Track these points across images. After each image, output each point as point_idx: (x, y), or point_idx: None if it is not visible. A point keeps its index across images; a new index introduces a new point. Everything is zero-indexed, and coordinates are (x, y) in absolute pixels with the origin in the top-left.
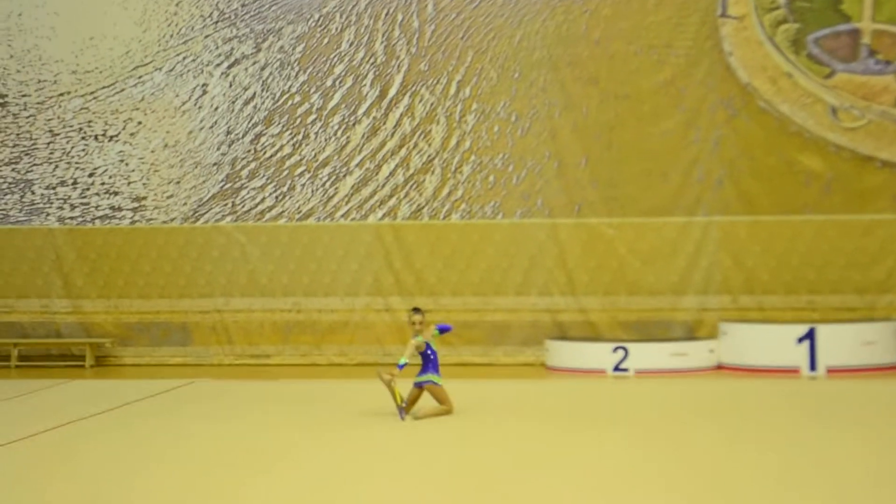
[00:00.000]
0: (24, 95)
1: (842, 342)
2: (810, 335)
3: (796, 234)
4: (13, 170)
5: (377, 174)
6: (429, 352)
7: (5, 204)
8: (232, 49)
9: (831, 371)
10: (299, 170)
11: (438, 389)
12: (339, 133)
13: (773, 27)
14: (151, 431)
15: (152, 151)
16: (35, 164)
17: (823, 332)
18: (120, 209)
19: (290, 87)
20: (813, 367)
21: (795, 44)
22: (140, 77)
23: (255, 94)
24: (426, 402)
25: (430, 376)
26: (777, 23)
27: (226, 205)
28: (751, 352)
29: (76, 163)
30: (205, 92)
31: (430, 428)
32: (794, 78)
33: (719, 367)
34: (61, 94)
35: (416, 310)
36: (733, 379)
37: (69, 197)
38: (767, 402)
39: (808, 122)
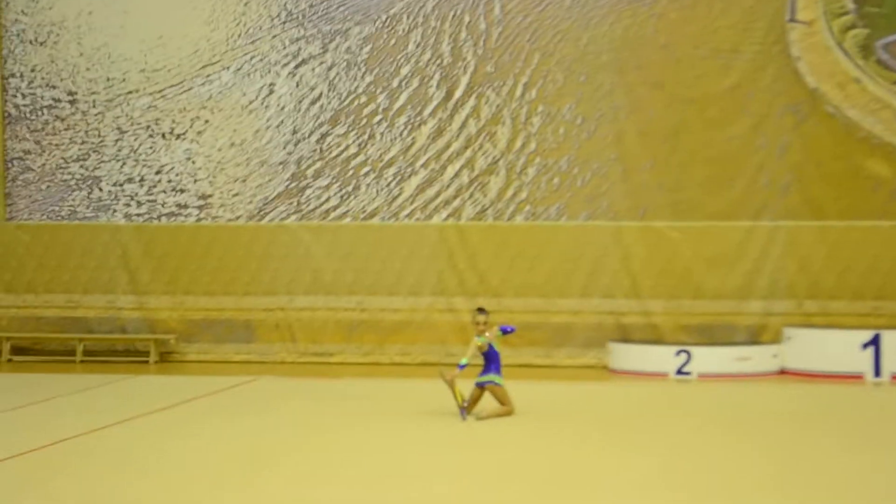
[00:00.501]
0: (93, 93)
1: None
2: (875, 341)
3: (863, 240)
4: (81, 166)
5: (442, 175)
6: (491, 352)
7: (73, 200)
8: (299, 49)
9: None
10: (364, 170)
11: (500, 390)
12: (405, 133)
13: (842, 32)
14: (214, 428)
15: (219, 150)
16: (103, 161)
17: (888, 339)
18: (186, 206)
19: (356, 87)
20: (877, 373)
21: (864, 49)
22: (208, 76)
23: (321, 94)
24: (488, 402)
25: (491, 377)
26: (846, 28)
27: (291, 203)
28: (815, 357)
29: (143, 160)
30: (272, 91)
31: (490, 429)
32: (863, 83)
33: (783, 372)
34: (130, 93)
35: (481, 310)
36: (797, 384)
37: (136, 194)
38: (831, 408)
39: (875, 128)
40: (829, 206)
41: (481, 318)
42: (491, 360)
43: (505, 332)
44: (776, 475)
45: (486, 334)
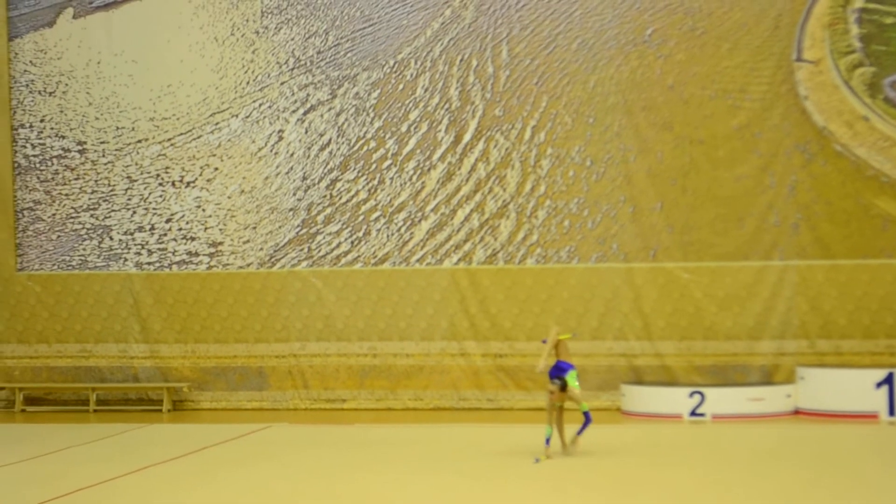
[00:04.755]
0: (102, 142)
1: None
2: (889, 380)
3: (874, 278)
4: (92, 216)
5: (452, 219)
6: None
7: (84, 250)
8: (308, 95)
9: None
10: (374, 215)
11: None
12: (414, 178)
13: (849, 71)
14: (229, 476)
15: (229, 197)
16: (113, 210)
17: None
18: (197, 254)
19: (365, 132)
20: (892, 412)
21: (872, 87)
22: (217, 124)
23: (330, 139)
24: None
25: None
26: (853, 66)
27: (301, 250)
28: (829, 397)
29: (154, 209)
30: (281, 138)
31: (506, 472)
32: (871, 121)
33: (797, 412)
34: (139, 141)
35: (554, 381)
36: (811, 424)
37: (147, 242)
38: (846, 449)
39: (885, 166)
40: (838, 245)
41: (552, 387)
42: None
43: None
44: None
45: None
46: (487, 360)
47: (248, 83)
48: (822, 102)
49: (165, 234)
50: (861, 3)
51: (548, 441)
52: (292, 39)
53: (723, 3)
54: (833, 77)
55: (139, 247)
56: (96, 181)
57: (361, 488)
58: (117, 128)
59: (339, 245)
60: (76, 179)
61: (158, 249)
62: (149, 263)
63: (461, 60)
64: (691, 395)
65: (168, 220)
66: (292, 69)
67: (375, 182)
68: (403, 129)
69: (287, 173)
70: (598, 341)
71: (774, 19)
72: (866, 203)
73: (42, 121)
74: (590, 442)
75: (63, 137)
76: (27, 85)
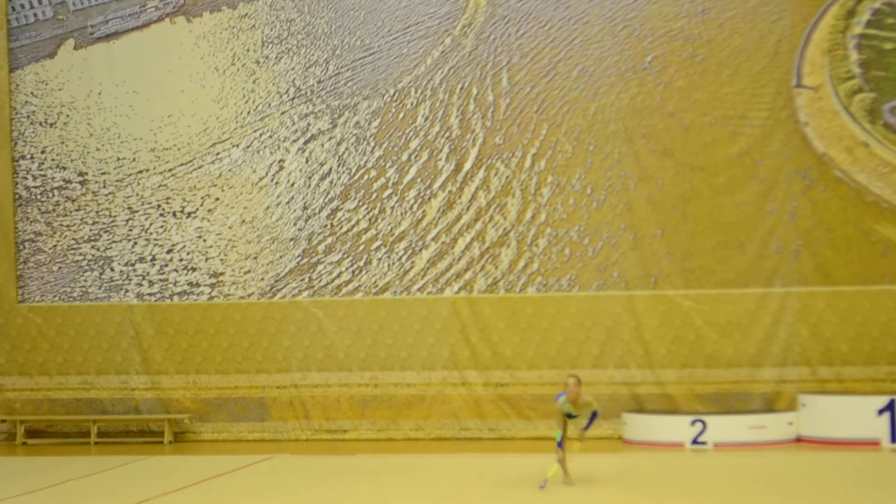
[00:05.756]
0: (103, 173)
1: None
2: (891, 407)
3: (875, 305)
4: (93, 247)
5: (453, 248)
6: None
7: (85, 281)
8: (308, 125)
9: None
10: (375, 244)
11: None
12: (415, 207)
13: (849, 97)
14: None
15: (230, 227)
16: (114, 241)
17: None
18: (198, 285)
19: (365, 161)
20: (894, 439)
21: (871, 113)
22: (217, 154)
23: (331, 169)
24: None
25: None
26: (852, 92)
27: (303, 280)
28: (830, 424)
29: (155, 239)
30: (281, 167)
31: (505, 502)
32: (871, 147)
33: (799, 439)
34: (140, 172)
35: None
36: (813, 451)
37: (148, 273)
38: (848, 476)
39: (885, 192)
40: (839, 271)
41: (573, 381)
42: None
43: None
44: None
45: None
46: (489, 389)
47: (248, 113)
48: (821, 128)
49: (166, 265)
50: (860, 29)
51: (560, 444)
52: (293, 69)
53: (722, 30)
54: (833, 103)
55: (140, 278)
56: (97, 212)
57: None
58: (118, 158)
59: (339, 275)
60: (77, 210)
61: (159, 280)
62: (150, 294)
63: (461, 89)
64: (693, 423)
65: (169, 251)
66: (293, 98)
67: (376, 211)
68: (404, 157)
69: (288, 203)
70: (599, 370)
71: (774, 45)
72: (867, 229)
73: (43, 152)
74: (592, 471)
75: (64, 168)
76: (28, 116)
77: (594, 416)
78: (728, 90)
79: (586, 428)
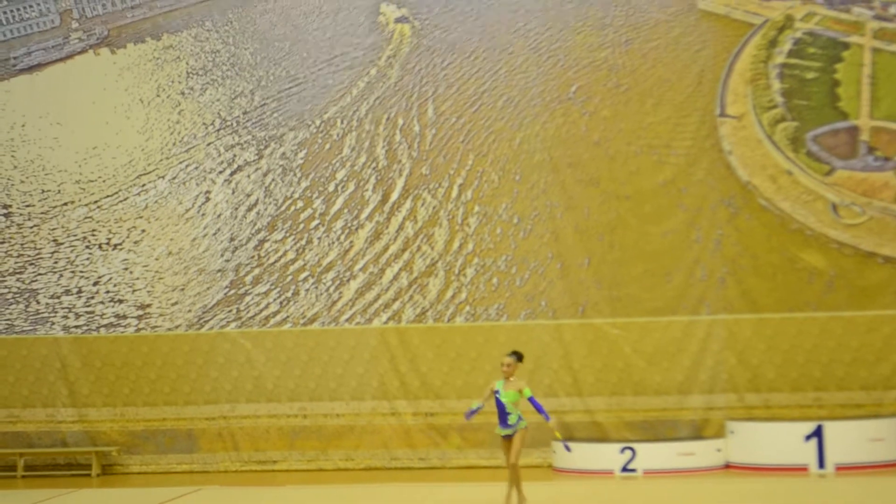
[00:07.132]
0: (27, 205)
1: (850, 439)
2: (818, 432)
3: (801, 332)
4: (18, 280)
5: (381, 278)
6: (498, 403)
7: (10, 314)
8: (234, 156)
9: (840, 468)
10: (303, 275)
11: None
12: (343, 237)
13: (772, 125)
14: None
15: (156, 259)
16: (39, 274)
17: (831, 430)
18: (125, 317)
19: (292, 192)
20: (821, 464)
21: (794, 142)
22: (143, 185)
23: (257, 200)
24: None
25: (499, 430)
26: (775, 121)
27: (230, 311)
28: (759, 450)
29: (80, 272)
30: (208, 199)
31: None
32: (794, 175)
33: (728, 466)
34: (65, 204)
35: (514, 353)
36: (742, 478)
37: (74, 306)
38: (777, 502)
39: (809, 220)
40: (765, 298)
41: (508, 359)
42: (499, 410)
43: (534, 405)
44: None
45: (510, 379)
46: (418, 418)
47: (174, 144)
48: (745, 157)
49: (93, 297)
50: (782, 59)
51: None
52: (218, 100)
53: (646, 60)
54: (756, 132)
55: (66, 310)
56: (22, 244)
57: None
58: (43, 191)
59: (267, 305)
60: (2, 243)
61: (86, 312)
62: (76, 327)
63: (387, 119)
64: (622, 450)
65: (95, 283)
66: (218, 130)
67: (303, 242)
68: (331, 188)
69: (214, 234)
70: None
71: (697, 75)
72: (791, 256)
73: None
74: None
75: None
76: None
77: (537, 404)
78: (652, 119)
79: (547, 418)
